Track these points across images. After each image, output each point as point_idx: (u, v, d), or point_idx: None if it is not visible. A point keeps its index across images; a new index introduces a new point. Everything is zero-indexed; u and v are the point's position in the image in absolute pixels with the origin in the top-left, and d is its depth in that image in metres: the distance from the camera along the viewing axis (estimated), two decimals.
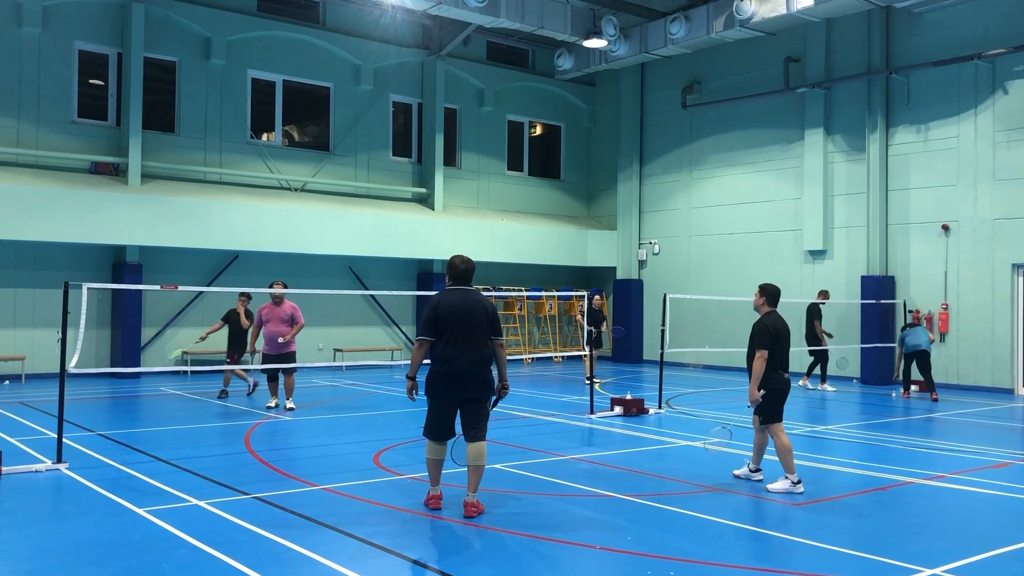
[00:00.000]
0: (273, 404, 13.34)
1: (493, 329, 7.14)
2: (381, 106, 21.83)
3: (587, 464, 9.27)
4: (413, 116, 22.59)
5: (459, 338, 6.96)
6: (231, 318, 14.61)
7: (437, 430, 7.11)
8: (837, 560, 5.97)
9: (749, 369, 8.37)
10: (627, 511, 7.27)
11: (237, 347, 14.46)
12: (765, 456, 8.66)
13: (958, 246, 17.69)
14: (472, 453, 7.07)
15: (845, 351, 18.95)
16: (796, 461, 8.85)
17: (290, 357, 12.96)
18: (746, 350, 8.56)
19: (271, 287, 12.84)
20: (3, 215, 15.92)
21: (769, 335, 8.18)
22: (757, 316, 8.59)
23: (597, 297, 17.59)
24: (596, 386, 15.64)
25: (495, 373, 7.20)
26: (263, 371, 13.51)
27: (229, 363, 14.55)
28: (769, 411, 8.26)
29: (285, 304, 12.98)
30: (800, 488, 7.95)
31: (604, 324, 17.65)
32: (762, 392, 8.18)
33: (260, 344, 13.11)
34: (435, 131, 21.95)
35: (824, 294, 17.89)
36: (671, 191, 23.18)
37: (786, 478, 8.04)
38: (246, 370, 14.85)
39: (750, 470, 8.53)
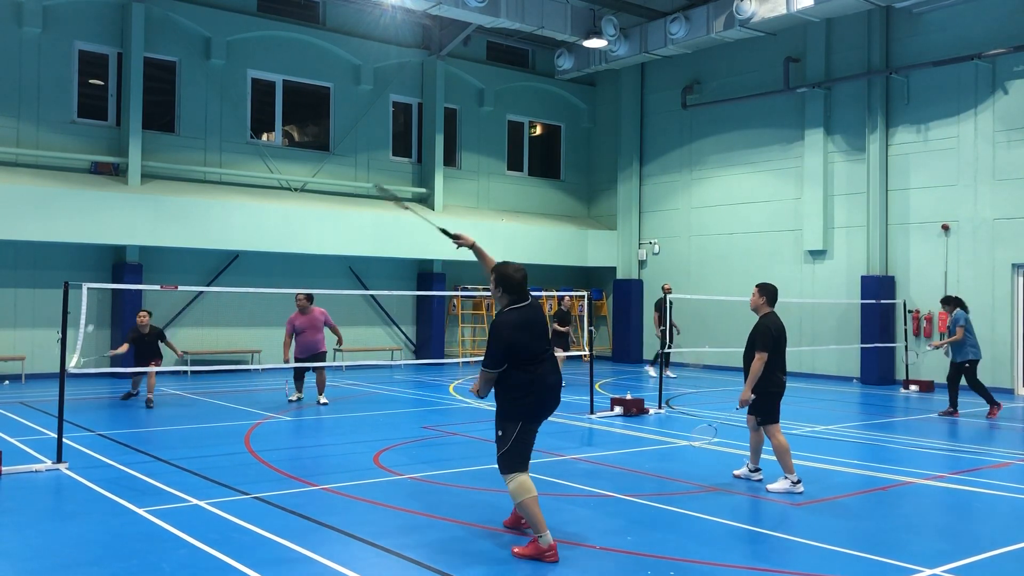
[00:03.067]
0: (295, 398, 14.21)
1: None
2: (381, 106, 21.83)
3: (587, 464, 9.27)
4: (413, 116, 22.59)
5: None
6: (137, 336, 13.50)
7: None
8: (837, 560, 5.97)
9: (745, 369, 8.33)
10: (627, 511, 7.26)
11: (152, 355, 13.56)
12: (763, 456, 8.66)
13: (958, 246, 17.68)
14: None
15: (845, 351, 18.94)
16: (796, 461, 8.84)
17: (322, 356, 13.98)
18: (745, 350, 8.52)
19: (298, 300, 14.04)
20: (3, 215, 15.92)
21: (771, 337, 8.12)
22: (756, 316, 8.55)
23: (567, 298, 17.49)
24: (597, 387, 15.63)
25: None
26: (295, 370, 14.38)
27: (155, 365, 13.39)
28: (767, 412, 8.23)
29: (314, 311, 14.11)
30: (800, 488, 7.94)
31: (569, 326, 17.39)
32: (753, 396, 8.14)
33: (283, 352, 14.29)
34: (435, 131, 21.95)
35: (667, 288, 18.34)
36: (671, 191, 23.17)
37: (785, 478, 8.02)
38: (140, 374, 13.85)
39: (750, 470, 8.49)
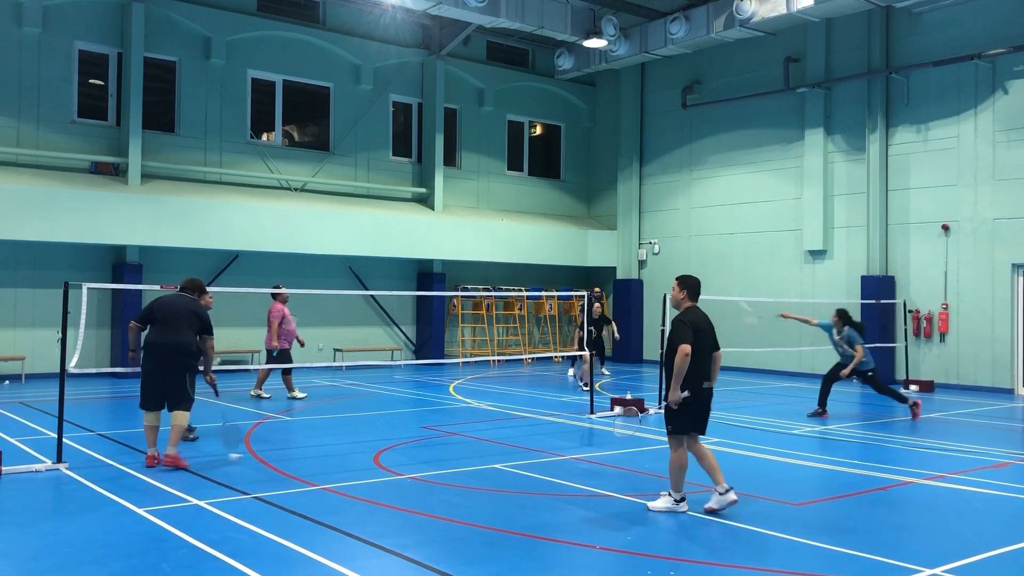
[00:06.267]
0: (303, 395, 14.65)
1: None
2: (381, 106, 21.83)
3: (587, 464, 9.27)
4: (413, 116, 22.59)
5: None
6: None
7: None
8: (837, 560, 5.97)
9: (668, 371, 7.33)
10: (627, 511, 7.26)
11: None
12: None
13: (958, 246, 17.68)
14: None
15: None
16: (798, 461, 8.84)
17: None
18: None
19: (278, 288, 14.33)
20: (3, 215, 15.92)
21: (689, 329, 7.17)
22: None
23: (597, 305, 17.37)
24: (596, 387, 15.63)
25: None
26: (285, 368, 14.58)
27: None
28: (679, 421, 7.23)
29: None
30: (684, 507, 7.18)
31: (605, 329, 17.60)
32: (686, 393, 7.15)
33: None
34: (435, 131, 21.95)
35: (598, 292, 17.71)
36: (671, 191, 23.18)
37: (669, 495, 7.23)
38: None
39: (719, 494, 7.20)
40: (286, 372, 14.63)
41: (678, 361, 7.11)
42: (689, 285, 7.47)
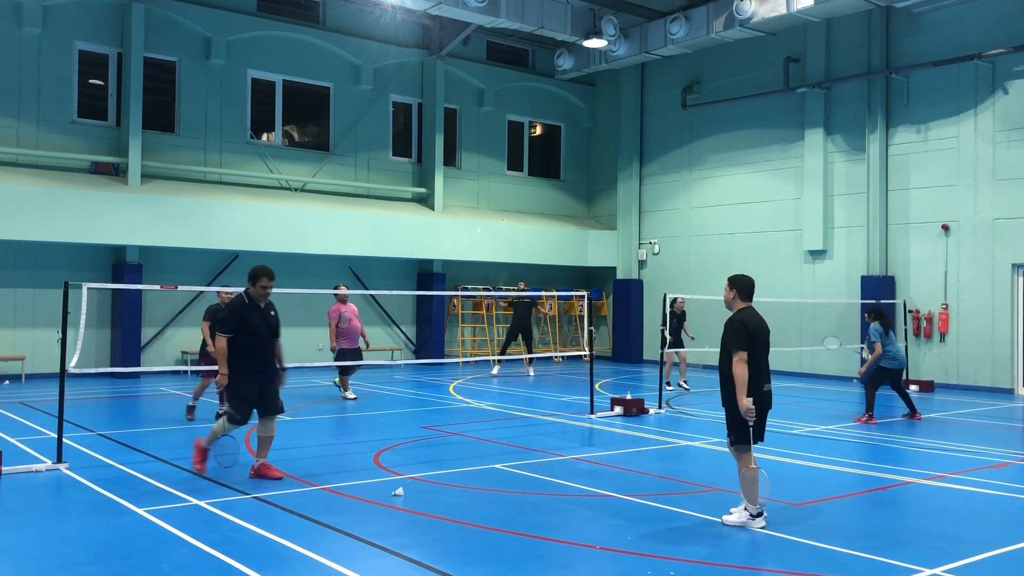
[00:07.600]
0: (353, 396, 14.58)
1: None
2: (381, 106, 21.83)
3: (587, 464, 9.27)
4: (413, 116, 22.59)
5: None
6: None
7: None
8: (837, 560, 5.97)
9: (721, 375, 6.97)
10: (627, 511, 7.27)
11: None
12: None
13: (958, 246, 17.68)
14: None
15: (845, 351, 18.92)
16: (797, 461, 8.83)
17: (361, 352, 14.85)
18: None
19: (338, 289, 14.50)
20: (3, 215, 15.91)
21: (746, 333, 6.80)
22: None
23: (680, 299, 17.09)
24: (597, 386, 15.62)
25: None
26: (343, 367, 14.56)
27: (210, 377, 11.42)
28: (740, 430, 6.84)
29: (351, 304, 14.73)
30: (761, 523, 6.70)
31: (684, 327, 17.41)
32: (751, 406, 6.69)
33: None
34: (435, 131, 21.95)
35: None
36: (671, 191, 23.18)
37: (745, 509, 6.79)
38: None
39: (751, 515, 6.83)
40: (344, 371, 14.73)
41: (738, 371, 6.72)
42: (740, 285, 7.06)
